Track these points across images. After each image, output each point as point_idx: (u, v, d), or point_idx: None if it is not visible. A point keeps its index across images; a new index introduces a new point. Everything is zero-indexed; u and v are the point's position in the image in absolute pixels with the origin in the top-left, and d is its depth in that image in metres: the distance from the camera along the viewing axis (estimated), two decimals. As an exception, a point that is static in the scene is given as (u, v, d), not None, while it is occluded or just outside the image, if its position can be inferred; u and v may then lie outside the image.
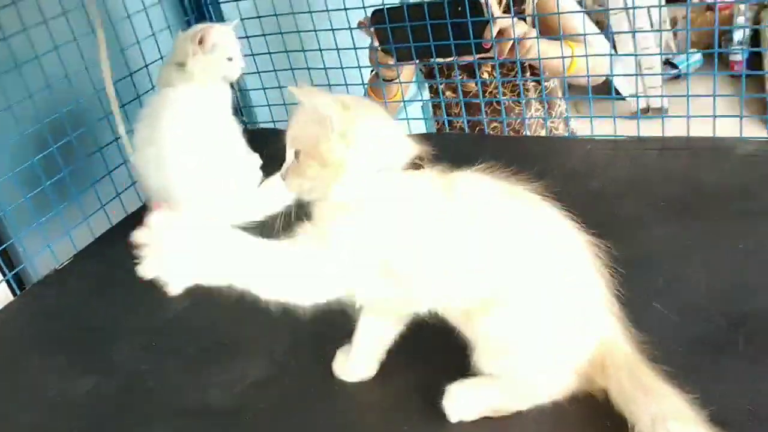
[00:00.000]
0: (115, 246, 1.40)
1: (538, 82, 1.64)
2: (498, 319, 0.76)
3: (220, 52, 1.39)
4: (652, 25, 3.78)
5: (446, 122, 1.62)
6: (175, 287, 0.70)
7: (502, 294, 0.76)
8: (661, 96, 2.36)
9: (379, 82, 1.55)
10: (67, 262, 1.35)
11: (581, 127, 1.73)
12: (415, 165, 0.80)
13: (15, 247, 1.34)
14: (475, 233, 0.77)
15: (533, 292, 0.76)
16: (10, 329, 1.21)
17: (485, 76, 1.62)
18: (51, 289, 1.30)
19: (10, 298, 1.31)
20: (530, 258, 0.77)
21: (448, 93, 1.68)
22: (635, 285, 0.97)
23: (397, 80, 1.55)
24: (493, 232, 0.78)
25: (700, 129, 1.32)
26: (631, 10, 3.31)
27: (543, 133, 1.69)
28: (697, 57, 4.06)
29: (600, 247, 0.82)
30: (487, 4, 1.32)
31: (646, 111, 3.71)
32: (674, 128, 1.34)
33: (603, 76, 1.41)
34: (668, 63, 4.29)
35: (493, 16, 1.33)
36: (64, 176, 1.37)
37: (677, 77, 4.16)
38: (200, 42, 1.36)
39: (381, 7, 1.43)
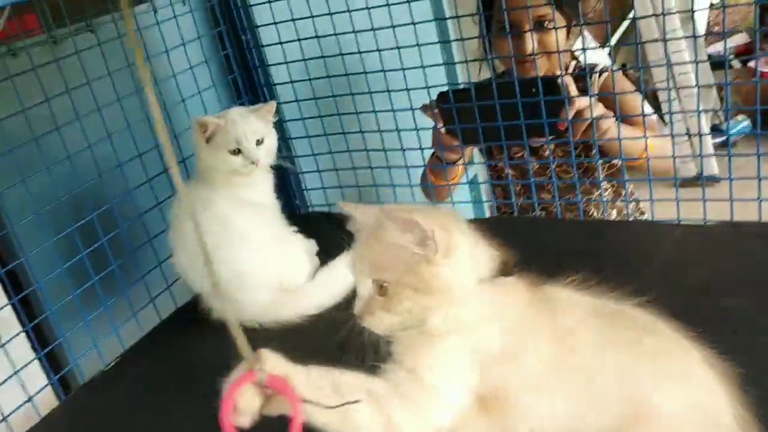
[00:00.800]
0: (165, 343, 1.32)
1: (606, 163, 1.55)
2: None
3: (222, 143, 1.25)
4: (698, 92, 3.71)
5: (515, 205, 1.53)
6: None
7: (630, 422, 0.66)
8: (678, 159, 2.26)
9: (440, 164, 1.47)
10: (114, 363, 1.27)
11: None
12: (506, 271, 0.70)
13: (61, 347, 1.25)
14: (588, 358, 0.68)
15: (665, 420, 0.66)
16: (54, 439, 1.12)
17: (547, 155, 1.54)
18: (97, 392, 1.21)
19: (55, 403, 1.22)
20: (655, 386, 0.68)
21: (509, 172, 1.59)
22: (764, 402, 0.85)
23: (461, 162, 1.46)
24: (607, 357, 0.69)
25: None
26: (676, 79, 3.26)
27: (614, 213, 1.59)
28: (745, 123, 3.97)
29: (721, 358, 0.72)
30: (563, 83, 1.24)
31: (698, 178, 3.59)
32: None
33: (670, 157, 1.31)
34: (715, 129, 4.20)
35: (569, 95, 1.25)
36: (114, 270, 1.29)
37: (725, 144, 4.07)
38: (204, 131, 1.25)
39: (446, 90, 1.36)
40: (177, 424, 1.07)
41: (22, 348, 1.19)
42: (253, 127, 1.26)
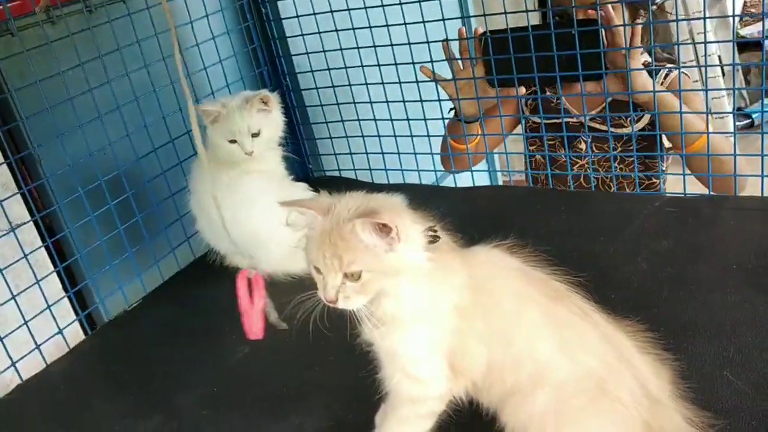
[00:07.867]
0: (183, 288, 1.45)
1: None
2: (533, 404, 0.76)
3: (221, 130, 1.32)
4: (723, 75, 3.70)
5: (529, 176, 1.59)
6: None
7: (532, 378, 0.77)
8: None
9: (459, 127, 1.54)
10: (136, 304, 1.40)
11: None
12: (434, 237, 0.80)
13: (89, 287, 1.39)
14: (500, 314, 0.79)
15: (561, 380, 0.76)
16: (80, 368, 1.26)
17: (582, 146, 1.56)
18: (120, 329, 1.34)
19: (82, 336, 1.36)
20: (553, 351, 0.77)
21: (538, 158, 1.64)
22: (705, 353, 0.94)
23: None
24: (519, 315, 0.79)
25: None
26: (702, 60, 3.26)
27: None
28: (770, 107, 3.94)
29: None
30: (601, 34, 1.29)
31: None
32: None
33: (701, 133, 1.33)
34: (740, 112, 4.18)
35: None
36: (138, 220, 1.42)
37: (750, 127, 4.05)
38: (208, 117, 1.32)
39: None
40: (192, 359, 1.20)
41: (54, 286, 1.33)
42: (249, 122, 1.31)
